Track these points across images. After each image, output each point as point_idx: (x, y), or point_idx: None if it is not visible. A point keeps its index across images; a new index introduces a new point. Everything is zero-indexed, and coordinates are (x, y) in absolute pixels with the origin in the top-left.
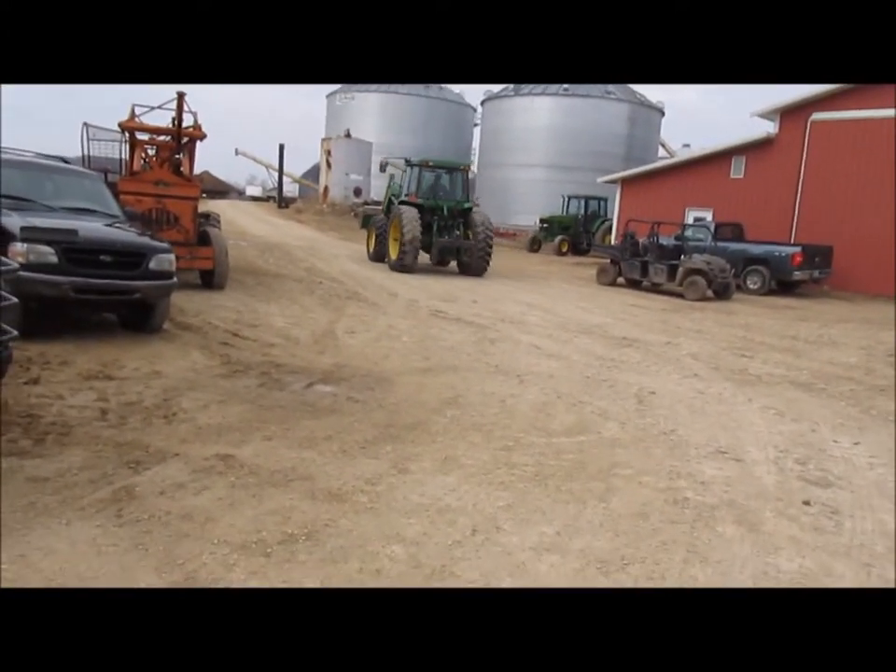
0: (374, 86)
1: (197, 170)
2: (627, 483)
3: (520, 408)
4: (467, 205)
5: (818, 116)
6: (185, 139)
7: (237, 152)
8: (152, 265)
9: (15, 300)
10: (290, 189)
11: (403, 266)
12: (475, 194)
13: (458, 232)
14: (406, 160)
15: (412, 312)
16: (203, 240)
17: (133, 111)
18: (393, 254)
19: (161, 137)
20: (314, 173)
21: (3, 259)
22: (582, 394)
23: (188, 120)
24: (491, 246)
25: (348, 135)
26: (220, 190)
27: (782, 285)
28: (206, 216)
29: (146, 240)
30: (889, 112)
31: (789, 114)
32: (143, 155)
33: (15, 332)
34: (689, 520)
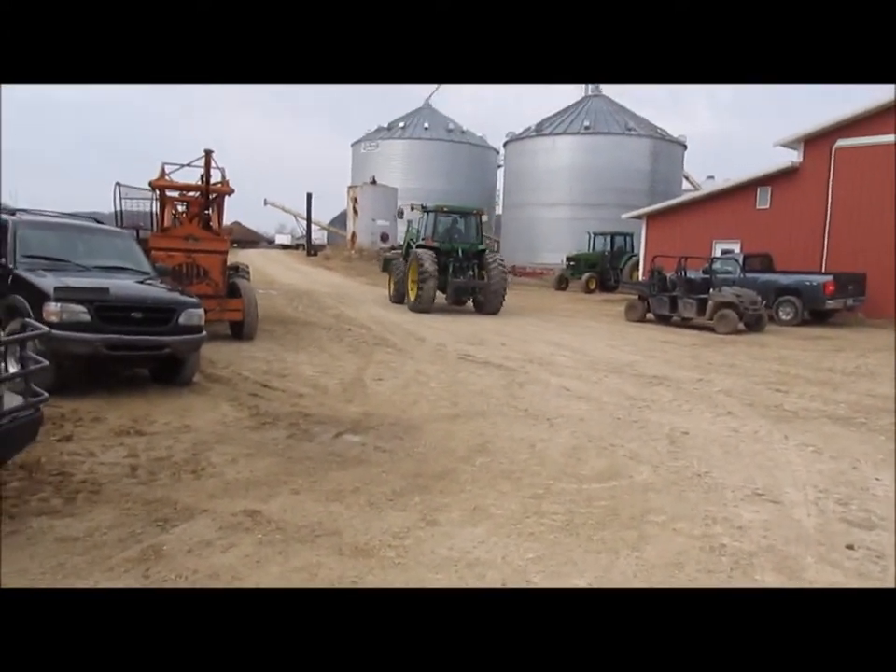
0: (398, 132)
1: (227, 221)
2: (661, 531)
3: (550, 453)
4: (480, 247)
5: (842, 143)
6: (213, 195)
7: (266, 202)
8: (181, 320)
9: (46, 362)
10: (319, 236)
11: (421, 306)
12: (498, 235)
13: (472, 273)
14: (422, 206)
15: (439, 356)
16: (233, 292)
17: (163, 169)
18: (412, 295)
19: (191, 193)
20: (341, 220)
21: (32, 322)
22: (613, 436)
23: (216, 176)
24: (505, 286)
25: (373, 182)
26: (251, 240)
27: (815, 314)
28: (235, 267)
29: (175, 295)
30: None
31: (812, 142)
32: (173, 211)
33: (46, 395)
34: (726, 568)
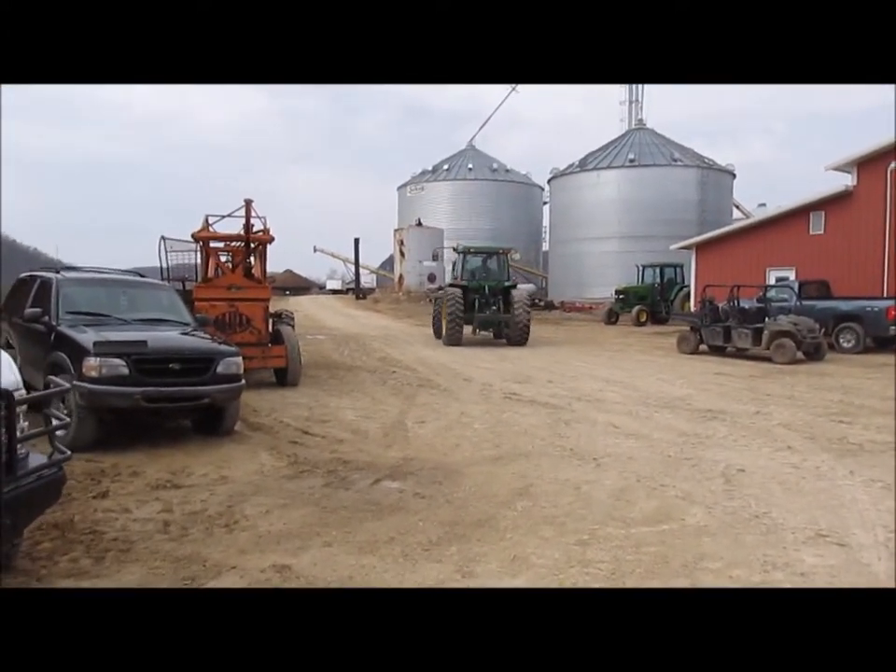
0: (443, 175)
1: (280, 269)
2: (716, 578)
3: (596, 495)
4: (507, 284)
5: None
6: (254, 243)
7: (315, 249)
8: (220, 369)
9: (67, 419)
10: (368, 280)
11: (450, 341)
12: (545, 271)
13: (495, 308)
14: (454, 248)
15: (484, 396)
16: (276, 339)
17: (206, 221)
18: (443, 330)
19: (233, 243)
20: (390, 263)
21: (55, 379)
22: (664, 476)
23: (258, 225)
24: (529, 319)
25: (419, 224)
26: (302, 286)
27: (878, 341)
28: (279, 314)
29: (213, 345)
30: None
31: (865, 165)
32: (217, 262)
33: (69, 453)
34: None
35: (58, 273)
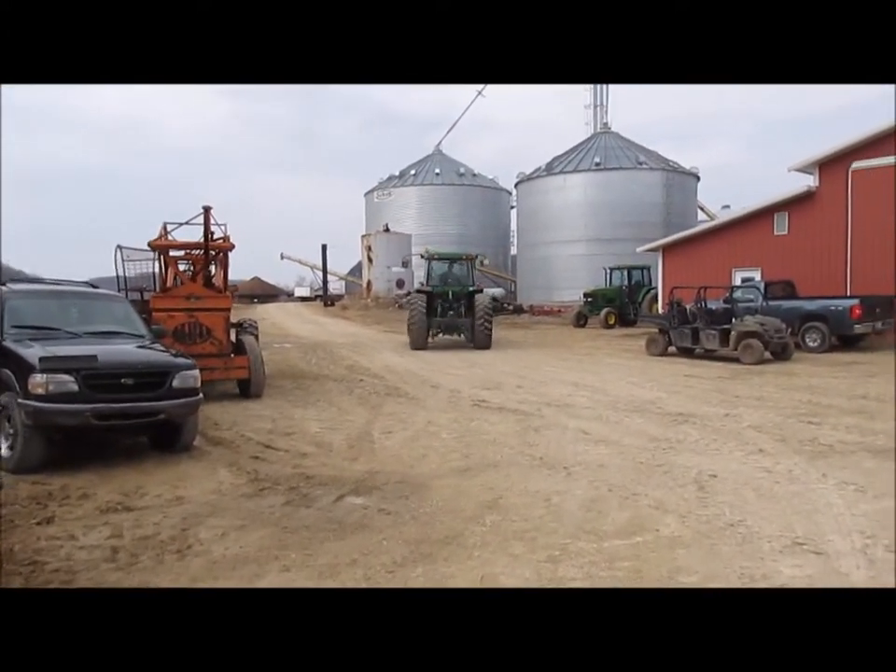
0: (410, 180)
1: (246, 276)
2: None
3: (567, 507)
4: (471, 289)
5: (858, 164)
6: (214, 251)
7: (282, 256)
8: (176, 383)
9: None
10: (338, 286)
11: (415, 345)
12: (514, 275)
13: (453, 312)
14: (421, 254)
15: (452, 404)
16: (238, 349)
17: (163, 229)
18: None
19: (193, 251)
20: (359, 269)
21: None
22: (636, 484)
23: (219, 232)
24: (490, 322)
25: (386, 230)
26: (270, 294)
27: (844, 340)
28: (241, 324)
29: (168, 358)
30: None
31: (827, 165)
32: (175, 270)
33: None
34: None
35: (3, 284)
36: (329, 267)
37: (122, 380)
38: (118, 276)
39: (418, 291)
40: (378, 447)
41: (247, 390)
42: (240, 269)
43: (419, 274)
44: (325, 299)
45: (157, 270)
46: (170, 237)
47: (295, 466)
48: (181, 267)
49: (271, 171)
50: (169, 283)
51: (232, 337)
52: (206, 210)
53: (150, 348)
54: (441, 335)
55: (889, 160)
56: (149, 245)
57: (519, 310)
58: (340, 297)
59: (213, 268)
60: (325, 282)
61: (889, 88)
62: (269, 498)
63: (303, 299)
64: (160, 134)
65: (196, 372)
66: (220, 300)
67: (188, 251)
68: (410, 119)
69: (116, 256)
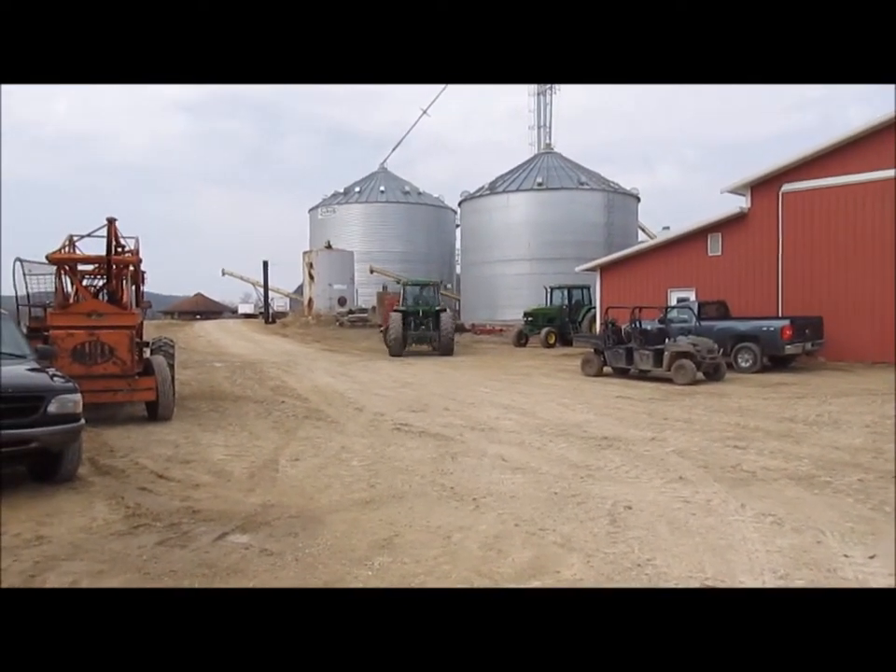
0: (355, 197)
1: (190, 293)
2: None
3: (467, 545)
4: (437, 308)
5: (788, 187)
6: (118, 265)
7: (224, 273)
8: (52, 408)
9: None
10: (283, 303)
11: (393, 352)
12: (458, 293)
13: (424, 327)
14: (397, 280)
15: (373, 428)
16: (146, 370)
17: (68, 241)
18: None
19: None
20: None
21: None
22: (545, 517)
23: (129, 246)
24: (452, 335)
25: (329, 247)
26: (214, 311)
27: (775, 360)
28: (147, 343)
29: (44, 380)
30: (856, 178)
31: (759, 187)
32: (78, 286)
33: None
34: None
35: None
36: (271, 284)
37: None
38: (16, 292)
39: (395, 310)
40: (280, 476)
41: (155, 413)
42: (184, 284)
43: (364, 292)
44: (266, 316)
45: (57, 285)
46: (78, 250)
47: (184, 498)
48: (85, 282)
49: (219, 187)
50: (70, 300)
51: (139, 357)
52: (111, 222)
53: (26, 370)
54: (414, 345)
55: (817, 182)
56: (47, 258)
57: (461, 329)
58: (283, 314)
59: (123, 284)
60: (266, 299)
61: (823, 111)
62: (142, 537)
63: (247, 316)
64: (112, 149)
65: (77, 396)
66: (125, 317)
67: (98, 265)
68: (366, 139)
69: (14, 269)
